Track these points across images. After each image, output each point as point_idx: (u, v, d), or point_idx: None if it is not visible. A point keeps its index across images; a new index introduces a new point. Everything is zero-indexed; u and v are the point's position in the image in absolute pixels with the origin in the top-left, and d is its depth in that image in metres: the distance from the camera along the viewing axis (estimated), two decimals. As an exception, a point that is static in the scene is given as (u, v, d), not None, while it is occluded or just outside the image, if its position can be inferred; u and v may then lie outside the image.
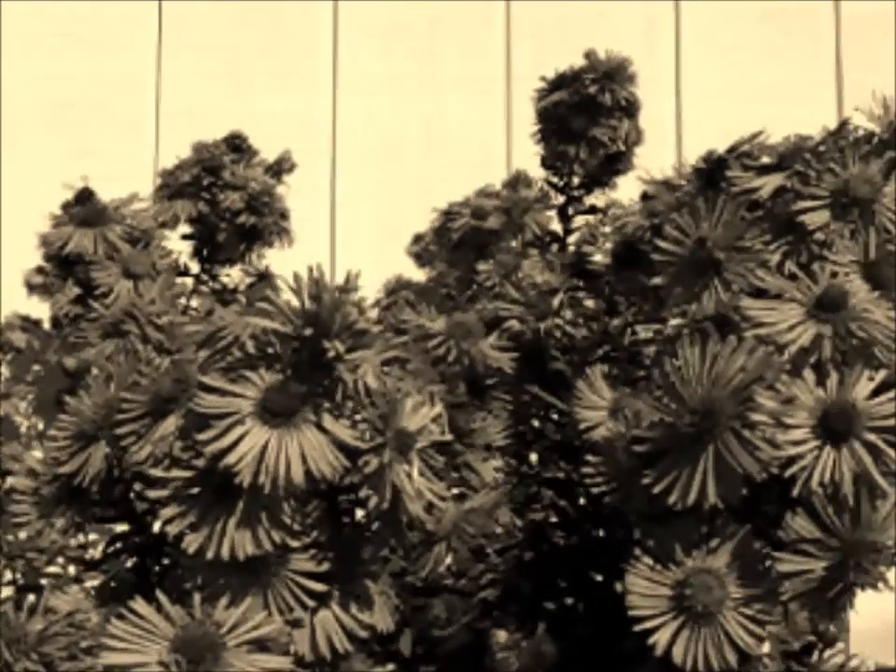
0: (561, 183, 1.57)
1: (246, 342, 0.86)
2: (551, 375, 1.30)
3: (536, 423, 1.26)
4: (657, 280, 1.00)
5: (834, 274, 0.93)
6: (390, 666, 1.00)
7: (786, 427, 0.79)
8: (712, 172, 1.06)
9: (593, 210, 1.50)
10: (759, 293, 0.90)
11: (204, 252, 1.66)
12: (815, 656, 0.99)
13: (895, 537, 0.81)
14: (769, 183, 1.00)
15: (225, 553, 0.84)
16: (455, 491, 0.99)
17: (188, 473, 0.85)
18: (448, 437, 0.90)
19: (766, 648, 0.92)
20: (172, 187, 1.62)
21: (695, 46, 2.52)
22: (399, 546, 0.91)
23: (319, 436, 0.83)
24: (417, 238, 1.90)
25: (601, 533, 1.01)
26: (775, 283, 0.85)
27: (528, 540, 1.03)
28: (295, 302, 0.84)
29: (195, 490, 0.85)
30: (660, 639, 0.82)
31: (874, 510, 0.80)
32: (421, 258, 1.91)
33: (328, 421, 0.84)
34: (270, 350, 0.85)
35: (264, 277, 1.71)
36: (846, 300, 0.83)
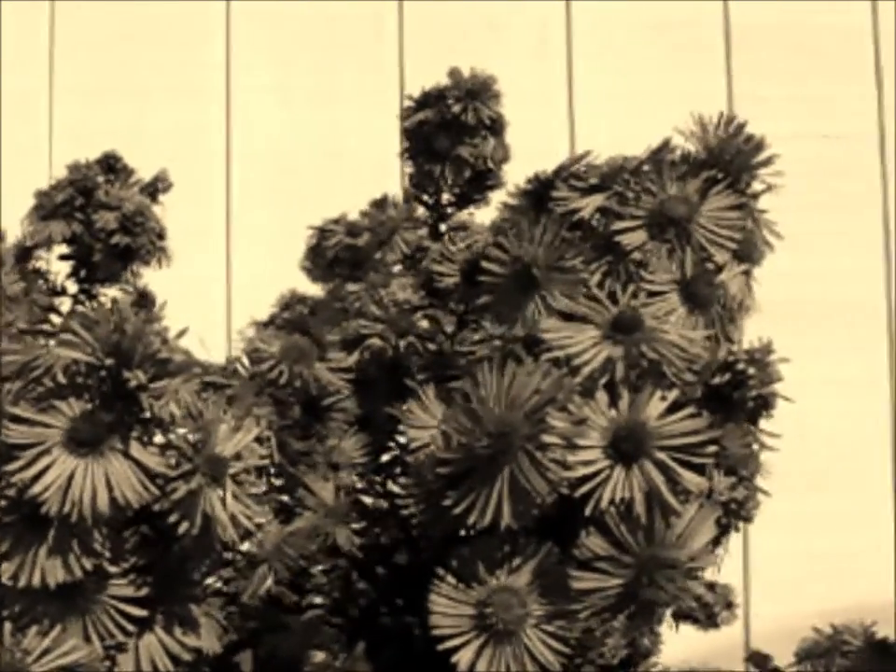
0: (431, 201, 1.59)
1: (57, 372, 0.87)
2: (409, 393, 1.32)
3: (391, 443, 1.27)
4: (482, 300, 1.01)
5: (652, 294, 0.95)
6: (223, 688, 1.01)
7: (576, 448, 0.80)
8: (540, 192, 1.08)
9: (463, 228, 1.51)
10: (572, 315, 0.92)
11: (81, 273, 1.66)
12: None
13: (693, 553, 0.82)
14: (591, 203, 1.01)
15: (36, 580, 0.85)
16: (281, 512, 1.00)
17: (1, 503, 0.86)
18: (264, 461, 0.91)
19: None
20: (46, 207, 1.62)
21: (587, 58, 2.54)
22: (213, 571, 0.92)
23: (125, 463, 0.85)
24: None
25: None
26: (574, 305, 0.86)
27: (361, 561, 1.04)
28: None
29: (8, 519, 0.86)
30: (462, 658, 0.83)
31: (667, 527, 0.82)
32: (312, 273, 1.92)
33: (135, 449, 0.85)
34: (79, 380, 0.86)
35: (144, 296, 1.72)
36: (639, 322, 0.85)
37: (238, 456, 0.90)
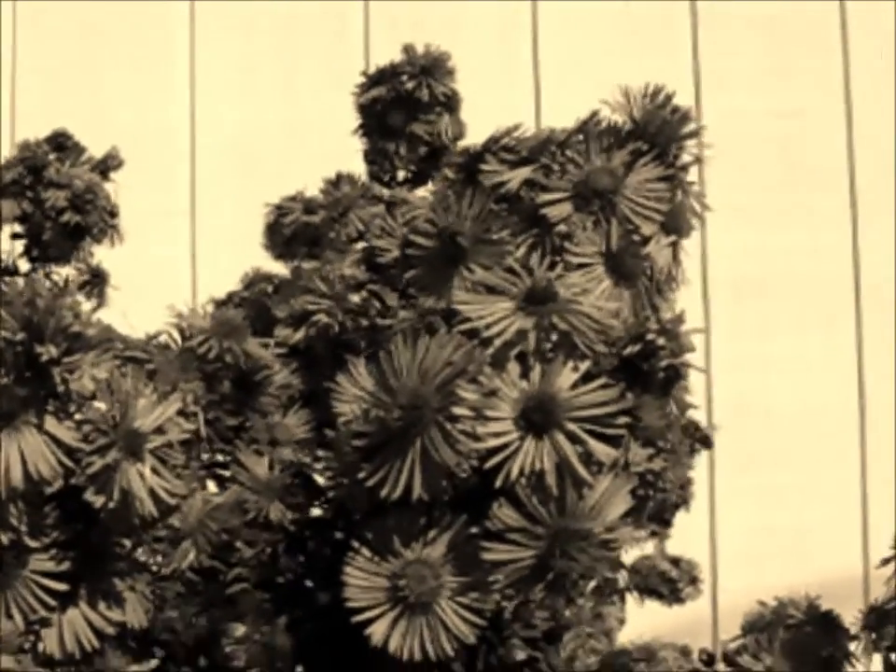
0: (386, 178, 1.59)
1: (-27, 347, 0.87)
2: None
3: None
4: (409, 274, 1.01)
5: (578, 266, 0.95)
6: (153, 662, 1.01)
7: (487, 420, 0.80)
8: (470, 165, 1.07)
9: (404, 202, 1.51)
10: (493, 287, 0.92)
11: (34, 252, 1.66)
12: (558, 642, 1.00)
13: (605, 524, 0.82)
14: (518, 176, 1.01)
15: (-47, 555, 0.85)
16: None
17: (-84, 477, 0.86)
18: (185, 435, 0.91)
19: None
20: (-4, 186, 1.62)
21: (553, 36, 2.54)
22: (137, 546, 0.92)
23: (39, 438, 0.85)
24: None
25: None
26: (490, 277, 0.86)
27: (294, 535, 1.04)
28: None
29: (-77, 493, 0.86)
30: (376, 630, 0.83)
31: (580, 498, 0.82)
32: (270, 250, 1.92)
33: (50, 423, 0.85)
34: (-5, 355, 0.86)
35: (97, 275, 1.72)
36: (552, 293, 0.85)
37: (159, 430, 0.90)
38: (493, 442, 0.80)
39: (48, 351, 0.83)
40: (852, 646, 1.24)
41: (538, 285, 0.85)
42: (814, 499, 2.53)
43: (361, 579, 0.84)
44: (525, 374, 0.83)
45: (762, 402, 2.55)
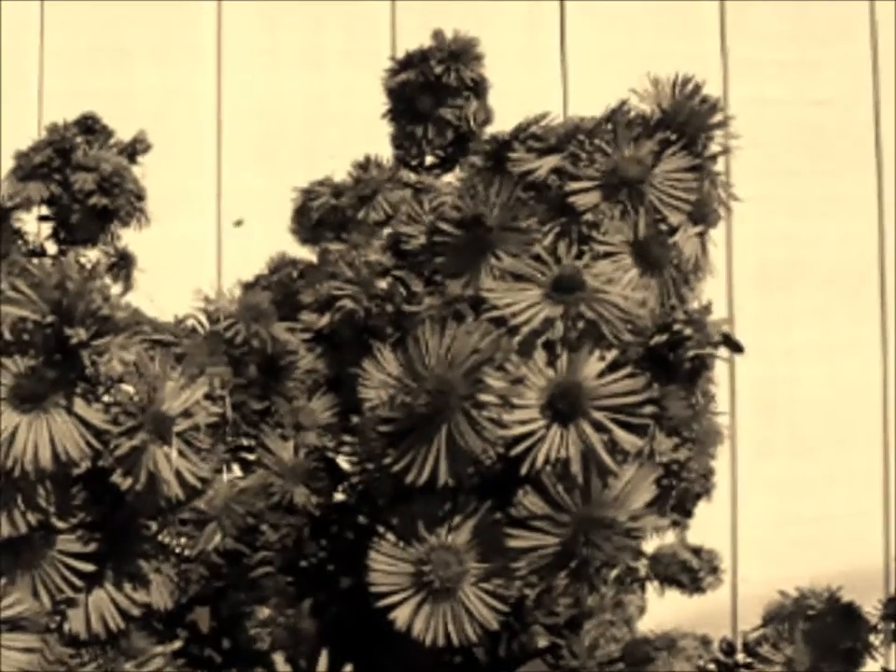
0: (414, 163, 1.59)
1: (3, 330, 0.87)
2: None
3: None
4: (436, 261, 1.02)
5: (605, 255, 0.95)
6: (177, 644, 1.01)
7: (513, 407, 0.81)
8: (498, 153, 1.08)
9: (431, 189, 1.51)
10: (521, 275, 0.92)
11: (61, 234, 1.66)
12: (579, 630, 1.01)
13: (629, 513, 0.83)
14: (546, 164, 1.01)
15: (-18, 535, 0.86)
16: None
17: (-50, 458, 0.87)
18: (212, 418, 0.91)
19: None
20: (24, 168, 1.63)
21: (581, 23, 2.53)
22: (163, 528, 0.93)
23: (68, 420, 0.85)
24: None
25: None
26: (518, 265, 0.87)
27: (319, 520, 1.04)
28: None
29: (-45, 474, 0.87)
30: (400, 615, 0.84)
31: (604, 487, 0.82)
32: (298, 234, 1.92)
33: (78, 405, 0.86)
34: (25, 337, 0.87)
35: (124, 257, 1.72)
36: (580, 282, 0.85)
37: (186, 413, 0.90)
38: (519, 430, 0.81)
39: (77, 334, 0.84)
40: (873, 637, 1.24)
41: (565, 273, 0.85)
42: (836, 490, 2.52)
43: (386, 564, 0.84)
44: (551, 362, 0.83)
45: (786, 391, 2.55)
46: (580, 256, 0.89)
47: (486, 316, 0.84)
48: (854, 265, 2.58)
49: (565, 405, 0.81)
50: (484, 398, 0.81)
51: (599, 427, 0.81)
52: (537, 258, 0.87)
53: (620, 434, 0.81)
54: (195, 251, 2.44)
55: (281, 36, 2.51)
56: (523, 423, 0.81)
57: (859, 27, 2.58)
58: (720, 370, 2.57)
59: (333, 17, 2.49)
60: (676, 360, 0.90)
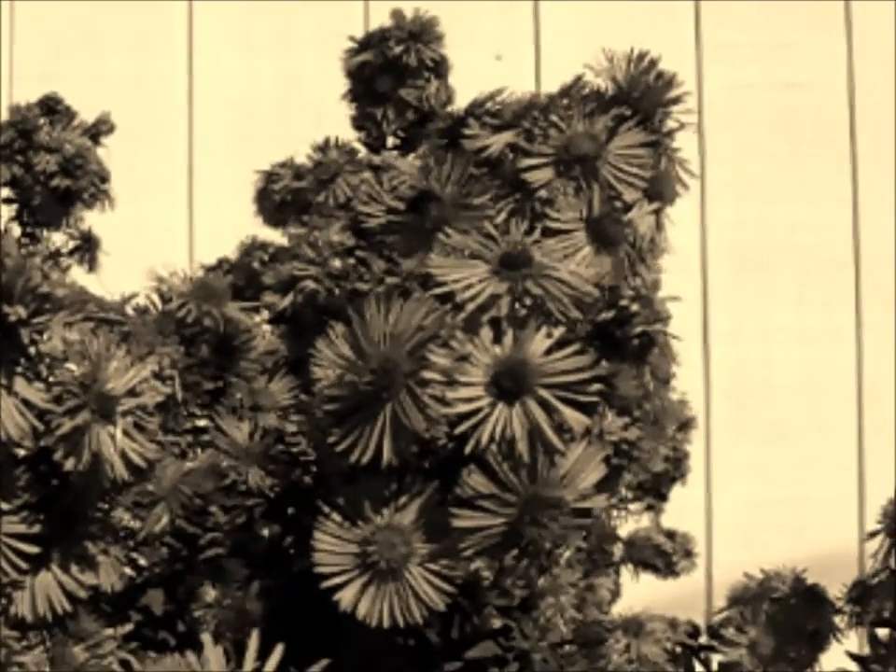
0: (375, 144, 1.58)
1: (-56, 308, 0.86)
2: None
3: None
4: (391, 239, 1.01)
5: (558, 232, 0.94)
6: (128, 626, 1.00)
7: (457, 385, 0.79)
8: (454, 130, 1.07)
9: (391, 168, 1.50)
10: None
11: (24, 216, 1.65)
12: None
13: (577, 493, 0.82)
14: (500, 141, 1.00)
15: (-79, 515, 0.85)
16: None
17: None
18: (157, 398, 0.90)
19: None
20: (-14, 150, 1.62)
21: (555, 5, 2.52)
22: (111, 509, 0.91)
23: (8, 399, 0.84)
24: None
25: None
26: (466, 241, 0.85)
27: (273, 502, 1.03)
28: None
29: None
30: (345, 596, 0.83)
31: (552, 466, 0.81)
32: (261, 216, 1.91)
33: (19, 385, 0.85)
34: (-35, 315, 0.85)
35: (88, 239, 1.71)
36: (528, 258, 0.84)
37: (132, 393, 0.89)
38: (463, 408, 0.79)
39: (16, 312, 0.83)
40: (838, 620, 1.24)
41: (513, 249, 0.83)
42: (811, 474, 2.52)
43: (331, 544, 0.83)
44: (497, 340, 0.82)
45: (760, 375, 2.54)
46: (531, 232, 0.88)
47: (433, 293, 0.83)
48: (829, 249, 2.58)
49: (510, 383, 0.80)
50: (428, 375, 0.80)
51: (545, 406, 0.80)
52: (486, 234, 0.86)
53: (567, 412, 0.80)
54: (166, 235, 2.43)
55: (253, 20, 2.49)
56: (467, 401, 0.80)
57: (834, 11, 2.57)
58: (694, 353, 2.58)
59: (306, 1, 2.48)
60: (623, 337, 0.89)
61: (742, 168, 2.55)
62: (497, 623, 1.00)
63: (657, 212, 1.00)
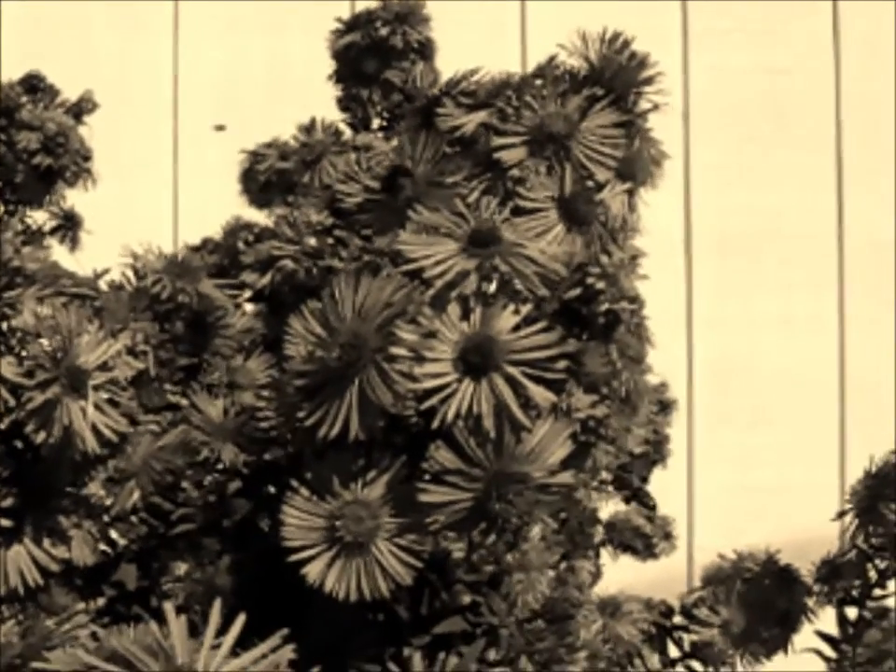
0: (361, 125, 1.58)
1: (-83, 282, 0.86)
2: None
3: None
4: (365, 217, 1.01)
5: (532, 211, 0.94)
6: (101, 601, 1.01)
7: (425, 361, 0.80)
8: (428, 109, 1.07)
9: (369, 148, 1.50)
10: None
11: (7, 194, 1.65)
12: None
13: (543, 468, 0.82)
14: (473, 120, 1.01)
15: None
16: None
17: None
18: (129, 372, 0.90)
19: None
20: (-33, 129, 1.62)
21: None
22: (83, 483, 0.92)
23: (-21, 372, 0.84)
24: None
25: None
26: (436, 219, 0.86)
27: (247, 478, 1.04)
28: None
29: None
30: (312, 570, 0.83)
31: (518, 442, 0.82)
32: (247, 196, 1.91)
33: (-9, 358, 0.85)
34: (-63, 289, 0.86)
35: (70, 218, 1.71)
36: (496, 236, 0.84)
37: (104, 367, 0.90)
38: (430, 384, 0.80)
39: (-13, 286, 0.83)
40: (808, 600, 1.25)
41: (482, 227, 0.84)
42: (793, 459, 2.53)
43: (299, 518, 0.84)
44: (465, 316, 0.82)
45: (743, 361, 2.55)
46: (502, 210, 0.88)
47: (402, 270, 0.84)
48: (814, 235, 2.58)
49: (477, 359, 0.80)
50: (396, 351, 0.80)
51: (512, 382, 0.80)
52: (457, 212, 0.87)
53: (533, 389, 0.80)
54: (151, 214, 2.43)
55: (241, 2, 2.49)
56: (434, 376, 0.80)
57: (821, -3, 2.58)
58: (677, 339, 2.59)
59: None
60: (590, 315, 0.89)
61: (727, 154, 2.55)
62: (465, 598, 1.00)
63: (629, 192, 1.01)
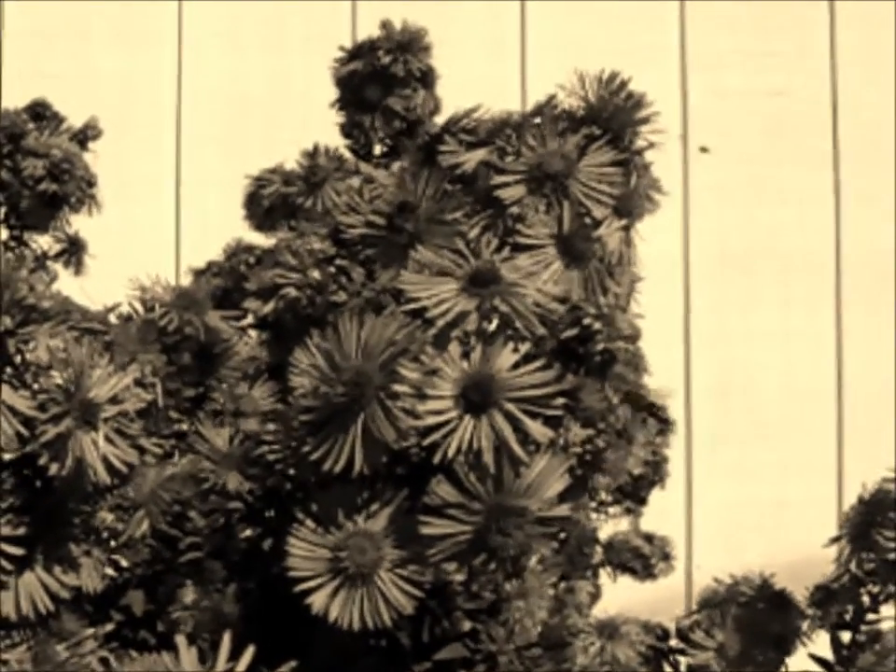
0: (363, 152, 1.60)
1: (-68, 317, 0.89)
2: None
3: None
4: (369, 252, 1.04)
5: (529, 248, 0.97)
6: (109, 626, 1.03)
7: (426, 398, 0.82)
8: (430, 146, 1.09)
9: (371, 180, 1.52)
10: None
11: (12, 220, 1.68)
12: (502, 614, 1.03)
13: (541, 502, 0.84)
14: (474, 157, 1.03)
15: None
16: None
17: None
18: (140, 404, 0.93)
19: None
20: (-27, 154, 1.64)
21: (540, 10, 2.54)
22: (93, 512, 0.94)
23: (-5, 406, 0.87)
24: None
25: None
26: (432, 258, 0.88)
27: (252, 506, 1.06)
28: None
29: None
30: (316, 600, 0.86)
31: (517, 476, 0.84)
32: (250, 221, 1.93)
33: (5, 393, 0.88)
34: (-47, 325, 0.88)
35: (75, 243, 1.74)
36: (496, 275, 0.86)
37: (114, 400, 0.92)
38: (432, 420, 0.82)
39: (2, 322, 0.86)
40: (804, 624, 1.26)
41: (482, 267, 0.87)
42: (792, 476, 2.54)
43: (305, 549, 0.86)
44: (466, 354, 0.85)
45: (742, 378, 2.57)
46: (501, 249, 0.91)
47: (404, 308, 0.86)
48: (812, 252, 2.61)
49: (477, 396, 0.83)
50: (399, 388, 0.83)
51: (511, 418, 0.83)
52: (457, 251, 0.89)
53: (531, 425, 0.83)
54: (154, 236, 2.45)
55: (242, 20, 2.52)
56: (436, 413, 0.83)
57: (818, 17, 2.60)
58: (675, 355, 2.60)
59: (294, 1, 2.50)
60: (586, 354, 0.92)
61: (725, 173, 2.58)
62: (466, 625, 1.03)
63: (626, 228, 1.03)
